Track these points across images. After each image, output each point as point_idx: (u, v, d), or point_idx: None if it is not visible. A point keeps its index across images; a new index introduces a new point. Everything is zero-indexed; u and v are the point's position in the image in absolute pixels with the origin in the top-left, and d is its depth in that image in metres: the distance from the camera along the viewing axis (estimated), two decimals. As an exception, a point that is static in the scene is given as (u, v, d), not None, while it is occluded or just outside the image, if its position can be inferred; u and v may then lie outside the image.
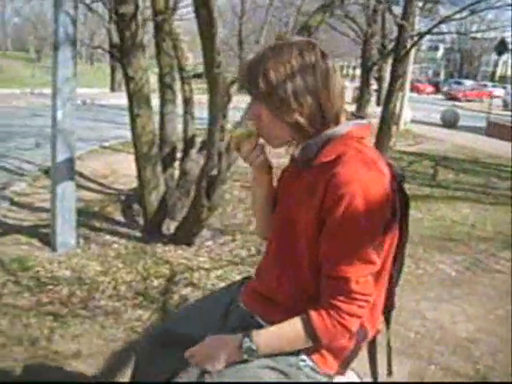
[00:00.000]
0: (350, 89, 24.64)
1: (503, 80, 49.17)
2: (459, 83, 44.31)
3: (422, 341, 3.41)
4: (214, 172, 4.21)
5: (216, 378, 1.44)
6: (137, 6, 4.09)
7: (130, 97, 4.38)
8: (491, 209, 7.20)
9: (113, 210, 5.56)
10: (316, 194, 1.38)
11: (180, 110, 5.53)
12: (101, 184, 6.85)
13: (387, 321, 1.66)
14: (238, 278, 3.99)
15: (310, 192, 1.41)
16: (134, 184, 6.32)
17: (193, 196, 4.90)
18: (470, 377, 3.06)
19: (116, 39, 16.66)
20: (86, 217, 5.07)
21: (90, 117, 13.62)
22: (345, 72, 43.69)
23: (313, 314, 1.39)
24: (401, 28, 9.73)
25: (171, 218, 5.09)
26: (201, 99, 7.97)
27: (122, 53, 4.18)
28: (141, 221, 5.16)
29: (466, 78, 54.78)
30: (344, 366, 1.54)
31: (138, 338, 3.03)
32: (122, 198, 6.03)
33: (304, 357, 1.46)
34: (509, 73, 56.75)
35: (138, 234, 4.89)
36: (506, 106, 32.27)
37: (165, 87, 5.38)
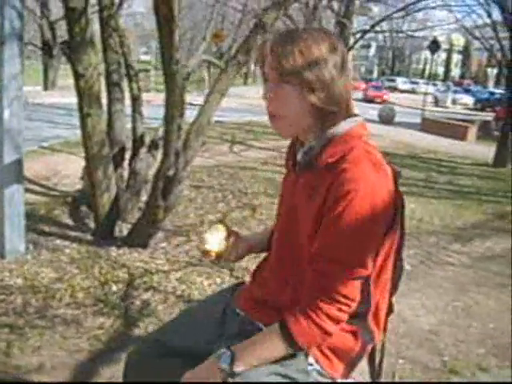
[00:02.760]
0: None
1: (433, 77, 50.84)
2: (392, 80, 45.50)
3: (388, 335, 3.42)
4: (171, 172, 4.10)
5: None
6: (86, 1, 3.92)
7: (80, 95, 4.19)
8: (435, 202, 7.40)
9: (60, 212, 5.33)
10: (319, 194, 1.34)
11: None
12: (44, 186, 6.57)
13: (385, 325, 1.61)
14: (199, 279, 3.99)
15: (313, 193, 1.37)
16: (78, 185, 6.12)
17: (146, 197, 4.78)
18: (437, 368, 3.11)
19: (48, 35, 16.07)
20: (32, 221, 4.83)
21: (24, 116, 13.08)
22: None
23: (289, 317, 1.34)
24: (343, 26, 9.91)
25: (122, 221, 4.93)
26: (148, 97, 7.83)
27: (71, 49, 4.00)
28: (91, 223, 4.98)
29: (398, 75, 56.33)
30: (349, 369, 1.50)
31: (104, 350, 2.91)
32: (68, 199, 5.79)
33: (311, 360, 1.42)
34: (439, 71, 58.79)
35: (89, 237, 4.71)
36: (436, 102, 33.44)
37: (112, 85, 5.20)
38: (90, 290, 3.61)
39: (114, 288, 3.69)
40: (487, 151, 12.83)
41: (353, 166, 1.30)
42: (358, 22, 16.35)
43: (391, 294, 1.56)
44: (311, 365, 1.42)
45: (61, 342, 2.95)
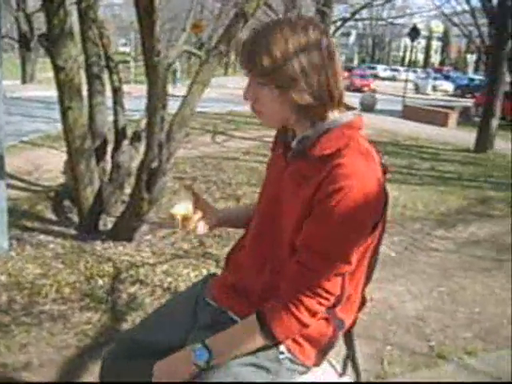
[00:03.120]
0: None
1: (413, 64, 51.06)
2: (373, 68, 45.61)
3: (375, 322, 3.46)
4: (155, 164, 4.07)
5: (198, 379, 1.37)
6: (65, -8, 3.86)
7: (60, 88, 4.13)
8: (419, 189, 7.45)
9: (43, 207, 5.27)
10: (310, 185, 1.31)
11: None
12: (25, 181, 6.50)
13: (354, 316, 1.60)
14: (185, 271, 3.98)
15: (304, 182, 1.34)
16: (60, 179, 6.05)
17: (129, 190, 4.74)
18: (425, 353, 3.14)
19: (25, 28, 15.84)
20: (15, 217, 4.77)
21: (4, 110, 12.91)
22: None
23: (267, 309, 1.34)
24: (323, 14, 9.88)
25: (106, 214, 4.89)
26: (128, 89, 7.74)
27: (50, 42, 3.93)
28: (74, 218, 4.93)
29: (378, 62, 56.48)
30: (321, 355, 1.50)
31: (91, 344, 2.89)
32: (51, 194, 5.73)
33: (282, 348, 1.41)
34: (419, 58, 59.05)
35: (73, 231, 4.67)
36: (417, 89, 33.60)
37: (92, 77, 5.14)
38: (75, 285, 3.58)
39: (100, 282, 3.66)
40: (468, 137, 12.94)
41: (348, 162, 1.27)
42: (337, 10, 16.34)
43: (364, 286, 1.56)
44: (282, 353, 1.42)
45: (48, 339, 2.93)
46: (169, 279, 3.82)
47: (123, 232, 4.52)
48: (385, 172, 1.41)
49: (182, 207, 1.55)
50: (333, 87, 1.31)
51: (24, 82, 23.20)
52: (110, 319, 3.19)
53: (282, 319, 1.32)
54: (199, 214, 1.60)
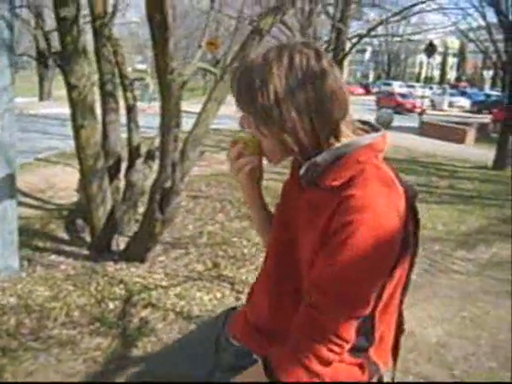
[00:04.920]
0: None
1: (429, 80, 50.92)
2: (388, 84, 45.49)
3: (395, 350, 3.31)
4: (168, 184, 3.99)
5: None
6: (78, 10, 3.81)
7: (73, 106, 4.08)
8: (437, 208, 7.29)
9: (55, 226, 5.21)
10: (322, 217, 1.19)
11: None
12: (39, 199, 6.46)
13: (394, 351, 1.45)
14: (199, 295, 3.87)
15: (316, 213, 1.21)
16: (74, 198, 6.00)
17: (143, 210, 4.66)
18: (448, 385, 3.00)
19: (43, 45, 15.94)
20: (27, 236, 4.71)
21: (19, 128, 12.96)
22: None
23: (274, 355, 1.21)
24: (339, 31, 9.82)
25: (119, 234, 4.82)
26: (141, 106, 7.71)
27: (63, 59, 3.89)
28: (87, 237, 4.86)
29: (393, 79, 56.36)
30: None
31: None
32: (64, 213, 5.67)
33: None
34: (435, 74, 58.87)
35: (86, 252, 4.59)
36: (433, 105, 33.41)
37: (106, 95, 5.10)
38: (85, 308, 3.49)
39: (111, 305, 3.56)
40: (486, 154, 12.77)
41: (360, 192, 1.14)
42: (352, 27, 16.32)
43: (400, 315, 1.43)
44: None
45: (56, 365, 2.83)
46: (182, 303, 3.71)
47: (136, 253, 4.43)
48: (415, 196, 1.29)
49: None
50: (321, 123, 1.18)
51: (41, 99, 23.43)
52: (121, 345, 3.09)
53: (290, 368, 1.18)
54: (258, 157, 1.37)
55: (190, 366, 1.48)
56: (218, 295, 3.91)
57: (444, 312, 3.94)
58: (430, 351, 3.34)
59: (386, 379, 1.49)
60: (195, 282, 4.13)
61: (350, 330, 1.17)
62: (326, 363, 1.18)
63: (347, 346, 1.19)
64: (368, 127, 1.31)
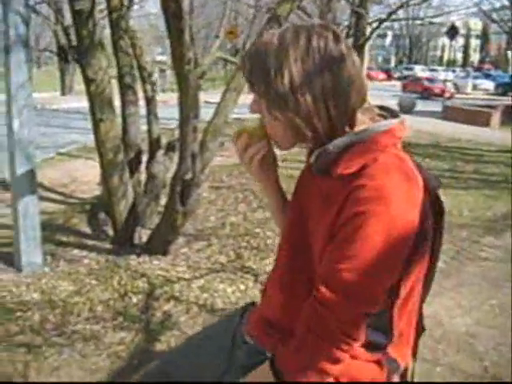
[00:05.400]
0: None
1: (452, 63, 50.16)
2: (410, 69, 44.90)
3: (423, 340, 3.22)
4: (188, 175, 3.95)
5: None
6: (93, 2, 3.78)
7: (92, 100, 4.06)
8: (463, 193, 7.14)
9: (78, 221, 5.22)
10: (332, 207, 1.13)
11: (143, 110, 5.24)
12: (61, 194, 6.49)
13: (413, 350, 1.37)
14: (222, 287, 3.84)
15: (326, 203, 1.15)
16: (97, 191, 6.02)
17: (165, 202, 4.64)
18: (479, 375, 2.92)
19: (63, 40, 15.97)
20: (50, 231, 4.73)
21: (42, 122, 13.04)
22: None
23: (281, 355, 1.16)
24: (359, 15, 9.66)
25: (142, 226, 4.80)
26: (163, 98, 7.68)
27: (80, 53, 3.86)
28: (109, 231, 4.85)
29: (415, 63, 55.63)
30: None
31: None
32: (87, 207, 5.68)
33: None
34: (457, 57, 57.98)
35: (108, 245, 4.59)
36: (457, 89, 32.88)
37: (125, 88, 5.07)
38: (109, 303, 3.48)
39: (134, 299, 3.55)
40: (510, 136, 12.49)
41: (374, 182, 1.07)
42: (373, 11, 16.08)
43: (420, 312, 1.36)
44: None
45: (80, 361, 2.82)
46: (205, 295, 3.68)
47: (158, 245, 4.41)
48: (438, 187, 1.23)
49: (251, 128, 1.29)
50: (337, 110, 1.11)
51: (63, 93, 23.58)
52: (144, 339, 3.07)
53: (298, 368, 1.13)
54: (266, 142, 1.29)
55: (205, 363, 1.44)
56: (242, 287, 3.87)
57: (472, 300, 3.85)
58: (459, 341, 3.26)
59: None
60: (218, 273, 4.10)
61: (359, 328, 1.11)
62: (336, 361, 1.12)
63: (355, 344, 1.13)
64: (386, 113, 1.24)
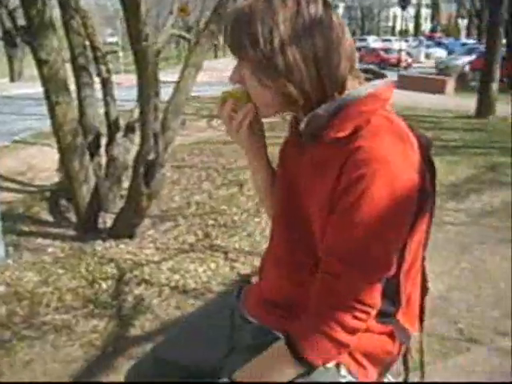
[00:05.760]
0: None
1: (404, 33, 50.59)
2: (363, 40, 45.07)
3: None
4: (151, 156, 3.86)
5: None
6: (41, -20, 3.61)
7: (46, 83, 3.90)
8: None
9: (39, 209, 5.06)
10: (329, 174, 1.08)
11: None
12: (20, 182, 6.28)
13: (420, 313, 1.36)
14: (193, 267, 3.78)
15: (321, 172, 1.11)
16: (56, 178, 5.84)
17: (127, 184, 4.54)
18: (455, 338, 2.95)
19: (9, 24, 15.43)
20: (10, 221, 4.56)
21: (-9, 111, 12.66)
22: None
23: (296, 331, 1.11)
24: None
25: (105, 211, 4.69)
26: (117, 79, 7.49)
27: (30, 35, 3.69)
28: (73, 218, 4.72)
29: (368, 34, 55.91)
30: (383, 373, 1.29)
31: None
32: (47, 194, 5.52)
33: (344, 372, 1.19)
34: (409, 27, 58.48)
35: (72, 232, 4.47)
36: (411, 58, 33.19)
37: (79, 70, 4.90)
38: (78, 291, 3.38)
39: (104, 286, 3.46)
40: (467, 103, 12.70)
41: (369, 143, 1.04)
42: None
43: (423, 273, 1.33)
44: (344, 376, 1.19)
45: (53, 353, 2.73)
46: (176, 276, 3.62)
47: (124, 229, 4.32)
48: (430, 145, 1.19)
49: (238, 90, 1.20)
50: (328, 78, 1.08)
51: (12, 80, 22.87)
52: (117, 325, 3.00)
53: (315, 342, 1.09)
54: (250, 107, 1.20)
55: (203, 348, 1.38)
56: (213, 266, 3.82)
57: (443, 265, 3.89)
58: (433, 305, 3.27)
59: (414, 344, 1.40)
60: (187, 254, 4.04)
61: (374, 294, 1.08)
62: (353, 331, 1.09)
63: (373, 312, 1.10)
64: (371, 75, 1.20)
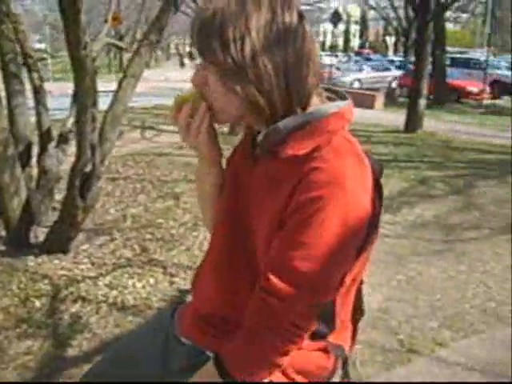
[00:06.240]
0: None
1: (334, 49, 51.83)
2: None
3: (339, 320, 3.28)
4: (88, 168, 3.73)
5: None
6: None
7: (-26, 90, 3.71)
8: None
9: (-36, 223, 4.78)
10: (280, 192, 1.06)
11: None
12: None
13: (353, 332, 1.35)
14: (131, 282, 3.67)
15: (274, 188, 1.08)
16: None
17: (59, 197, 4.37)
18: (396, 349, 3.00)
19: None
20: None
21: None
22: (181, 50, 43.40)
23: (227, 350, 1.09)
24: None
25: (37, 224, 4.49)
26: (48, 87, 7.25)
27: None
28: (2, 232, 4.49)
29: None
30: None
31: None
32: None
33: None
34: (339, 42, 59.96)
35: (2, 247, 4.24)
36: (341, 73, 33.97)
37: (10, 77, 4.69)
38: (9, 310, 3.21)
39: (38, 304, 3.30)
40: (396, 118, 13.09)
41: (328, 165, 1.02)
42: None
43: (360, 295, 1.32)
44: None
45: (-17, 377, 2.57)
46: (114, 293, 3.50)
47: (57, 243, 4.14)
48: (381, 171, 1.18)
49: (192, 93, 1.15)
50: (297, 88, 1.05)
51: None
52: (53, 346, 2.85)
53: (246, 362, 1.07)
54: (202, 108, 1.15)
55: (137, 371, 1.32)
56: (152, 281, 3.73)
57: (380, 277, 3.96)
58: (373, 317, 3.33)
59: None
60: (125, 269, 3.92)
61: (311, 318, 1.07)
62: (285, 353, 1.07)
63: (306, 336, 1.08)
64: (332, 94, 1.19)
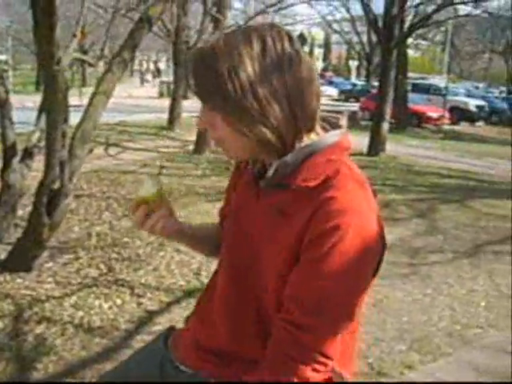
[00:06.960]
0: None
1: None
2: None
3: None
4: (56, 185, 3.66)
5: None
6: None
7: None
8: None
9: None
10: (293, 224, 1.06)
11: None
12: None
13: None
14: (97, 303, 3.59)
15: (284, 221, 1.08)
16: None
17: (23, 213, 4.27)
18: (366, 372, 3.01)
19: None
20: None
21: None
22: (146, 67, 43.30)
23: (250, 378, 1.09)
24: (216, 21, 9.69)
25: (-1, 241, 4.37)
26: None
27: None
28: (-39, 249, 4.35)
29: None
30: None
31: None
32: None
33: None
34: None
35: (-39, 265, 4.11)
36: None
37: (-26, 89, 4.59)
38: (-30, 331, 3.10)
39: (0, 324, 3.19)
40: (358, 140, 13.25)
41: (342, 194, 1.03)
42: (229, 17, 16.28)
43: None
44: None
45: None
46: (80, 313, 3.42)
47: (20, 261, 4.03)
48: (375, 195, 1.20)
49: (152, 190, 1.21)
50: (301, 115, 1.06)
51: None
52: (17, 369, 2.76)
53: None
54: (165, 208, 1.24)
55: None
56: (118, 302, 3.66)
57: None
58: (342, 341, 3.33)
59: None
60: (91, 289, 3.84)
61: (335, 347, 1.06)
62: (307, 382, 1.05)
63: (331, 364, 1.07)
64: (325, 123, 1.19)
